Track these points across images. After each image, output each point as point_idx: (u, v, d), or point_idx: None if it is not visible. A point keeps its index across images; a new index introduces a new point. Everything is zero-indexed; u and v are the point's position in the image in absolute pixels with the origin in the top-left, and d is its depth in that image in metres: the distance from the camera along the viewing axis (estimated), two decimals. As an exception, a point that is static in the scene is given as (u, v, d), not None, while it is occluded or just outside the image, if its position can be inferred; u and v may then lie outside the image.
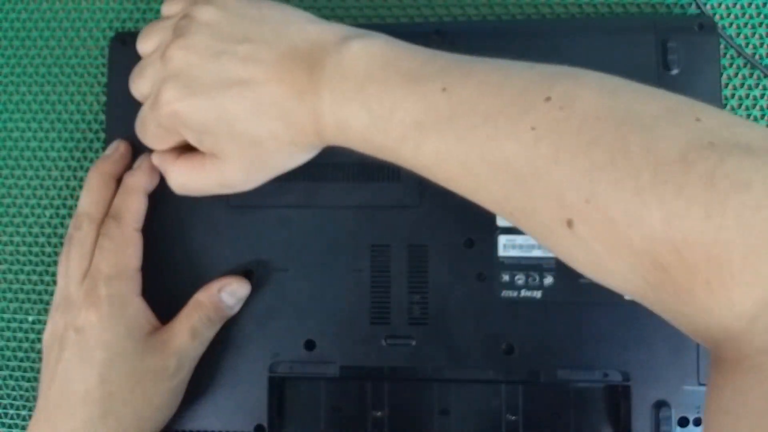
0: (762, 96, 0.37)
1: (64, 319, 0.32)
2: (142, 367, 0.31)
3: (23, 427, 0.40)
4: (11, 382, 0.40)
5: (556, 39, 0.36)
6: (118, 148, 0.36)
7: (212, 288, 0.33)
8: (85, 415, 0.31)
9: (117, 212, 0.33)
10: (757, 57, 0.37)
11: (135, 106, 0.37)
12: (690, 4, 0.37)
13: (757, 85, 0.37)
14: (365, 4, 0.39)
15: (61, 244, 0.40)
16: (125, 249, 0.33)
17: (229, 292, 0.34)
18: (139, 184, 0.34)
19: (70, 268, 0.33)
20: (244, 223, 0.35)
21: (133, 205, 0.34)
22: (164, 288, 0.35)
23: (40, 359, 0.39)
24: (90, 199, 0.34)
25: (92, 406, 0.31)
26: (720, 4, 0.38)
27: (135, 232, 0.34)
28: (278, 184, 0.35)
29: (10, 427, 0.40)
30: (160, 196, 0.36)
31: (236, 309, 0.34)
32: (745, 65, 0.37)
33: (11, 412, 0.40)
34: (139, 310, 0.33)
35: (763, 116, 0.37)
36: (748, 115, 0.37)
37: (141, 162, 0.35)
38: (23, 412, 0.40)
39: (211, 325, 0.33)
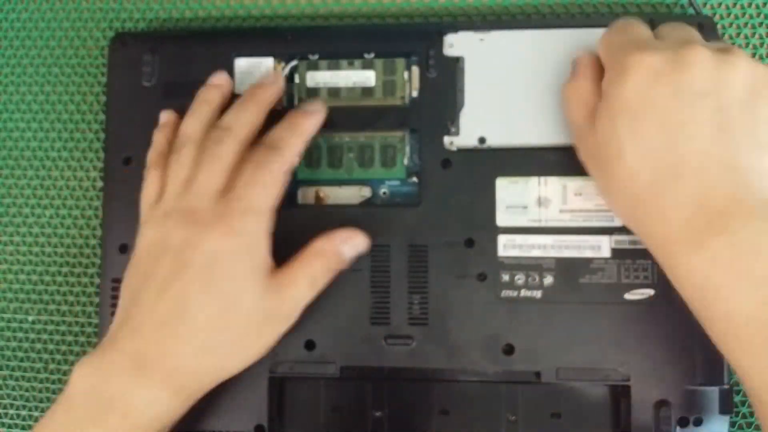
0: (762, 96, 0.37)
1: (186, 233, 0.30)
2: (262, 308, 0.31)
3: (23, 427, 0.40)
4: (11, 382, 0.40)
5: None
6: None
7: (335, 239, 0.32)
8: (197, 343, 0.30)
9: (278, 144, 0.32)
10: (757, 58, 0.37)
11: (134, 105, 0.37)
12: (690, 5, 0.37)
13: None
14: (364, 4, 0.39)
15: (61, 244, 0.40)
16: (277, 185, 0.32)
17: (351, 245, 0.33)
18: (308, 124, 0.33)
19: (200, 178, 0.31)
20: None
21: (298, 142, 0.33)
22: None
23: (40, 359, 0.40)
24: (243, 119, 0.33)
25: (207, 335, 0.30)
26: (720, 4, 0.38)
27: (289, 170, 0.32)
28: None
29: (10, 427, 0.40)
30: (160, 196, 0.36)
31: (350, 264, 0.33)
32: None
33: (11, 412, 0.40)
34: (268, 249, 0.31)
35: (763, 116, 0.37)
36: (748, 115, 0.37)
37: (314, 104, 0.34)
38: (23, 412, 0.40)
39: (329, 275, 0.32)
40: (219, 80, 0.35)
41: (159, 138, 0.35)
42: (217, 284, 0.30)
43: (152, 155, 0.34)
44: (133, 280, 0.31)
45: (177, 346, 0.30)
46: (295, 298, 0.32)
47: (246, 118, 0.33)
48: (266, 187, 0.31)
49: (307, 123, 0.34)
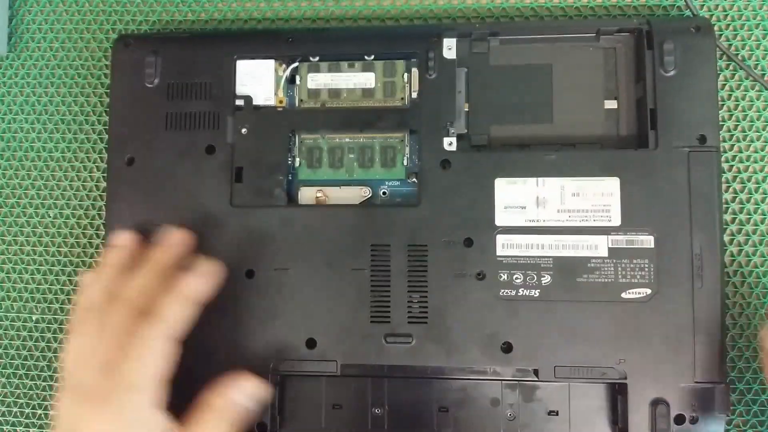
0: (758, 97, 0.37)
1: (78, 411, 0.30)
2: None
3: (26, 425, 0.40)
4: (15, 380, 0.40)
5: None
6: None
7: (226, 390, 0.31)
8: None
9: (159, 311, 0.31)
10: (753, 59, 0.37)
11: (137, 106, 0.37)
12: (686, 7, 0.37)
13: (753, 86, 0.37)
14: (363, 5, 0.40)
15: (65, 243, 0.40)
16: (157, 356, 0.30)
17: (244, 393, 0.32)
18: (193, 289, 0.32)
19: (95, 351, 0.31)
20: (245, 223, 0.36)
21: (180, 309, 0.32)
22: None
23: (44, 357, 0.40)
24: (136, 282, 0.32)
25: None
26: (716, 6, 0.38)
27: (172, 336, 0.31)
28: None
29: (13, 425, 0.40)
30: (159, 195, 0.36)
31: (255, 408, 0.32)
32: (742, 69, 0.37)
33: (15, 410, 0.40)
34: (158, 420, 0.30)
35: (759, 117, 0.37)
36: (744, 116, 0.37)
37: (199, 266, 0.33)
38: (26, 410, 0.40)
39: (229, 427, 0.31)
40: (118, 241, 0.35)
41: (90, 291, 0.33)
42: None
43: (79, 314, 0.33)
44: None
45: None
46: None
47: (138, 284, 0.32)
48: (145, 360, 0.30)
49: (192, 287, 0.32)
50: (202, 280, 0.33)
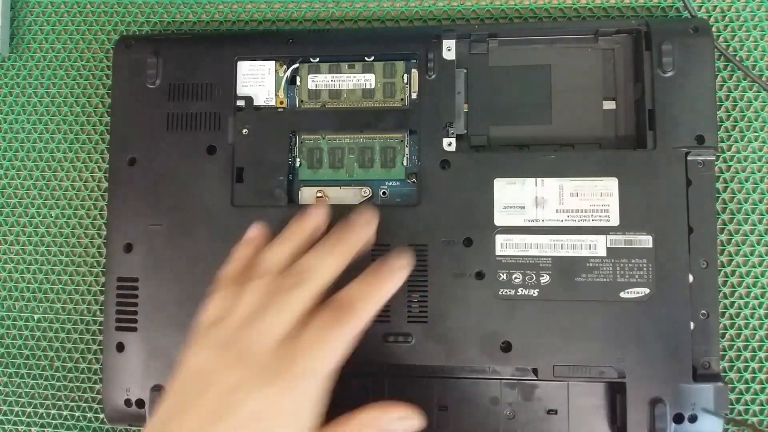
0: (756, 98, 0.37)
1: (239, 375, 0.28)
2: None
3: (28, 424, 0.40)
4: (17, 380, 0.40)
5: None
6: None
7: (391, 413, 0.30)
8: None
9: (354, 306, 0.30)
10: (751, 60, 0.37)
11: (139, 107, 0.37)
12: (685, 8, 0.37)
13: (751, 87, 0.37)
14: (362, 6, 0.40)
15: (66, 243, 0.40)
16: (345, 349, 0.29)
17: (404, 425, 0.30)
18: (391, 285, 0.31)
19: (267, 320, 0.29)
20: (246, 223, 0.36)
21: (376, 307, 0.30)
22: (165, 287, 0.36)
23: (44, 357, 0.40)
24: (326, 264, 0.31)
25: None
26: (715, 7, 0.38)
27: (360, 333, 0.30)
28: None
29: (15, 423, 0.40)
30: (160, 195, 0.36)
31: None
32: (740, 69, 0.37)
33: (16, 409, 0.40)
34: (319, 412, 0.29)
35: (756, 117, 0.37)
36: (742, 117, 0.37)
37: (400, 258, 0.32)
38: (28, 409, 0.40)
39: None
40: (317, 212, 0.33)
41: (239, 256, 0.33)
42: None
43: (226, 274, 0.32)
44: (173, 401, 0.29)
45: None
46: None
47: (329, 265, 0.31)
48: (333, 351, 0.29)
49: (390, 285, 0.31)
50: (399, 274, 0.32)
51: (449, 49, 0.36)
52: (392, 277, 0.31)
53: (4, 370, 0.40)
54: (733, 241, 0.37)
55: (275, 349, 0.29)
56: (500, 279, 0.34)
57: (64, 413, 0.40)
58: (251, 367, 0.28)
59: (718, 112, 0.37)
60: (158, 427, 0.29)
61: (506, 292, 0.34)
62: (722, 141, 0.37)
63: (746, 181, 0.37)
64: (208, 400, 0.28)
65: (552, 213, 0.34)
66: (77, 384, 0.40)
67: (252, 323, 0.29)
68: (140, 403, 0.36)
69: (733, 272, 0.37)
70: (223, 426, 0.27)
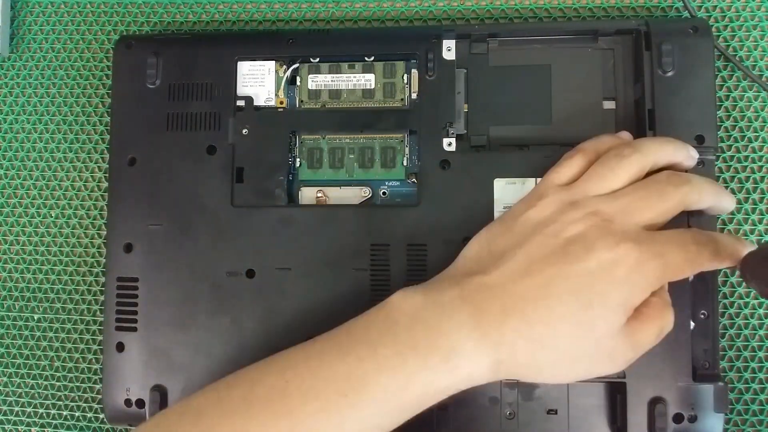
0: (756, 98, 0.37)
1: (591, 234, 0.28)
2: (608, 345, 0.29)
3: (28, 424, 0.40)
4: (17, 380, 0.40)
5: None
6: None
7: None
8: (538, 334, 0.28)
9: (717, 241, 0.30)
10: (751, 60, 0.37)
11: (139, 107, 0.37)
12: (684, 8, 0.37)
13: (751, 87, 0.37)
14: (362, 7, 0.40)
15: (66, 243, 0.40)
16: (701, 263, 0.29)
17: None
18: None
19: (634, 203, 0.29)
20: (246, 223, 0.36)
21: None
22: (165, 287, 0.36)
23: (44, 357, 0.40)
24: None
25: (550, 335, 0.28)
26: (715, 7, 0.38)
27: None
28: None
29: (15, 423, 0.40)
30: (160, 195, 0.36)
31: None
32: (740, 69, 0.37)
33: (16, 408, 0.40)
34: (642, 299, 0.29)
35: (756, 117, 0.37)
36: (742, 117, 0.37)
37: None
38: (28, 409, 0.40)
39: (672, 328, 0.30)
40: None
41: (607, 139, 0.33)
42: (586, 296, 0.28)
43: (590, 144, 0.32)
44: (500, 239, 0.30)
45: (521, 325, 0.28)
46: (641, 347, 0.29)
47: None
48: (690, 260, 0.29)
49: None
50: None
51: (449, 49, 0.36)
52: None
53: (4, 370, 0.41)
54: (733, 241, 0.37)
55: (633, 227, 0.29)
56: (500, 279, 0.34)
57: (64, 413, 0.40)
58: (602, 229, 0.28)
59: (718, 112, 0.37)
60: (480, 253, 0.31)
61: (506, 292, 0.34)
62: (722, 141, 0.37)
63: (746, 181, 0.37)
64: (544, 246, 0.29)
65: (552, 213, 0.34)
66: (77, 384, 0.40)
67: (613, 198, 0.30)
68: (140, 403, 0.36)
69: (733, 272, 0.37)
70: (554, 273, 0.28)
